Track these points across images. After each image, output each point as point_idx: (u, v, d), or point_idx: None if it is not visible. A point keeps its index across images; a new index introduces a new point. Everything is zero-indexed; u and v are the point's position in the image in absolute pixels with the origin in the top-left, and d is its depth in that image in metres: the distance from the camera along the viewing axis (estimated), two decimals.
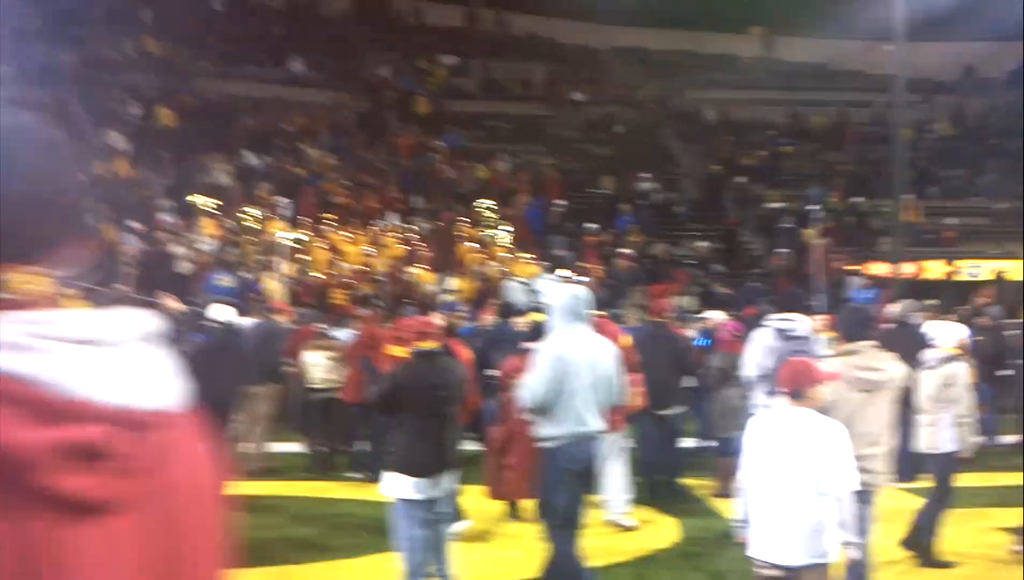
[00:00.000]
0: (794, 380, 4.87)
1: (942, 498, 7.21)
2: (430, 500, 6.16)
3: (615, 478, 8.43)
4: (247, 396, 11.35)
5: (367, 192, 23.68)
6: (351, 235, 21.01)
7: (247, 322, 12.32)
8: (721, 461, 9.88)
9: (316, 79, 30.22)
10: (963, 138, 29.95)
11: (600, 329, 8.31)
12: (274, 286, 17.20)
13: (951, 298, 16.95)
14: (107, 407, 1.10)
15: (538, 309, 10.36)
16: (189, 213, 21.16)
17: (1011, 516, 8.47)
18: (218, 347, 9.56)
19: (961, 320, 10.55)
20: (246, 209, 21.31)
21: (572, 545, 6.07)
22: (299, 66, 30.01)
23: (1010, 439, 12.44)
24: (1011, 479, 9.92)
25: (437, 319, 8.15)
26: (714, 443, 10.34)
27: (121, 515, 1.10)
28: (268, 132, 26.42)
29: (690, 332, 12.60)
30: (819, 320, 11.32)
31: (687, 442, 11.54)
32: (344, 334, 12.49)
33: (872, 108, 30.91)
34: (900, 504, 9.05)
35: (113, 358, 1.13)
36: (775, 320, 8.59)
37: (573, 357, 6.06)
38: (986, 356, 11.93)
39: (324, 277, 18.55)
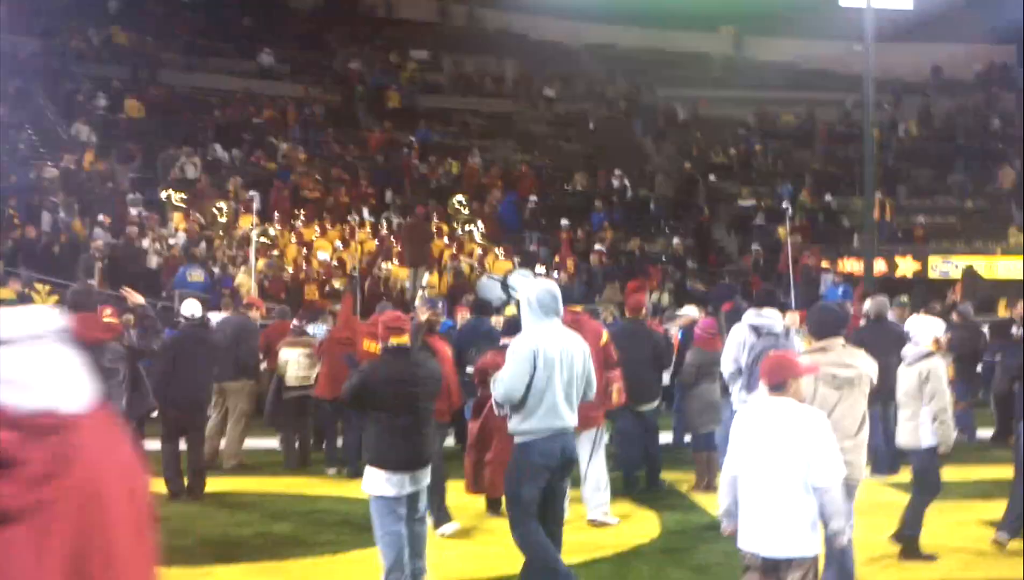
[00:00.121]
0: (776, 373, 4.89)
1: (923, 493, 7.24)
2: (407, 496, 6.12)
3: (595, 476, 8.37)
4: (221, 392, 11.25)
5: (338, 187, 23.52)
6: (322, 230, 20.85)
7: (218, 317, 12.20)
8: (699, 456, 9.91)
9: (286, 72, 29.99)
10: (931, 138, 30.26)
11: (581, 325, 8.30)
12: (245, 281, 17.03)
13: (922, 295, 17.13)
14: (14, 412, 1.03)
15: (512, 305, 10.33)
16: (158, 206, 20.93)
17: (989, 509, 8.56)
18: (188, 342, 9.44)
19: (935, 317, 10.62)
20: (216, 203, 21.10)
21: (540, 536, 6.08)
22: (269, 59, 29.76)
23: (986, 433, 12.58)
24: (988, 473, 10.05)
25: (423, 315, 8.05)
26: (691, 438, 10.35)
27: (32, 520, 1.05)
28: (238, 125, 26.19)
29: (672, 329, 12.60)
30: (792, 316, 11.41)
31: (664, 437, 11.56)
32: (317, 330, 12.39)
33: (841, 107, 31.17)
34: (880, 498, 9.14)
35: (17, 359, 1.07)
36: (751, 316, 8.63)
37: (547, 352, 6.06)
38: (962, 352, 12.05)
39: (296, 272, 18.39)
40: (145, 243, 18.05)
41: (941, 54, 33.60)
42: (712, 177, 26.79)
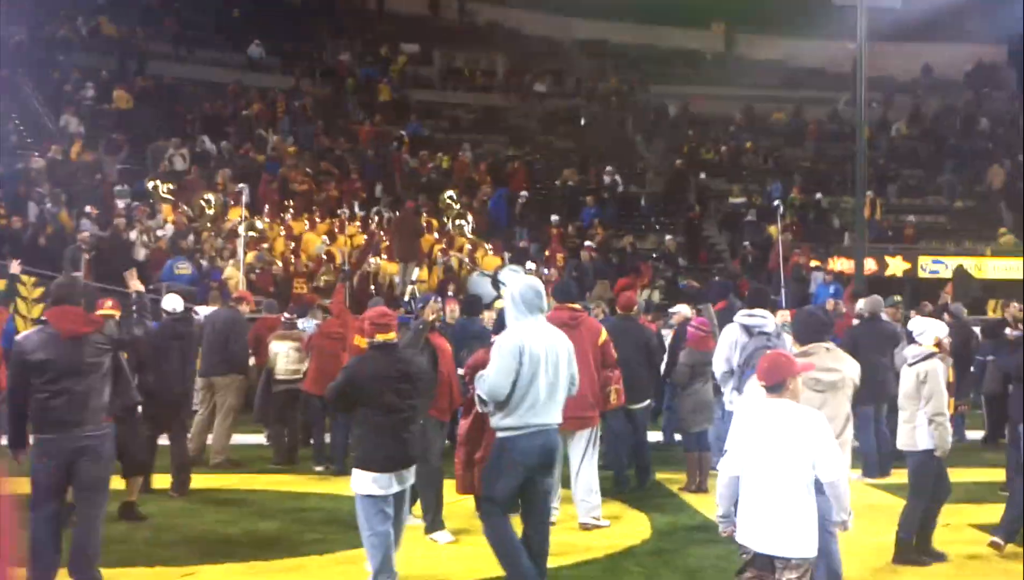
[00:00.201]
0: (774, 373, 4.91)
1: (918, 496, 7.18)
2: (394, 495, 6.06)
3: (587, 478, 8.25)
4: (209, 387, 11.12)
5: (327, 180, 23.37)
6: (311, 223, 20.70)
7: (206, 311, 12.07)
8: (691, 456, 9.84)
9: (276, 64, 29.81)
10: (921, 137, 30.28)
11: (580, 323, 8.23)
12: (233, 274, 16.89)
13: (911, 294, 17.12)
14: None
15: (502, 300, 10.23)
16: (146, 198, 20.75)
17: (980, 512, 8.53)
18: (168, 337, 9.29)
19: (926, 317, 10.57)
20: (204, 195, 20.94)
21: (510, 533, 6.08)
22: (259, 51, 29.56)
23: (976, 434, 12.57)
24: (979, 475, 10.01)
25: (430, 315, 7.93)
26: (683, 438, 10.28)
27: None
28: (226, 117, 26.00)
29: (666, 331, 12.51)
30: (783, 315, 11.36)
31: (655, 436, 11.51)
32: (307, 324, 12.29)
33: (831, 106, 31.17)
34: (871, 500, 9.10)
35: None
36: (743, 316, 8.55)
37: (532, 348, 6.03)
38: (953, 353, 11.99)
39: (284, 266, 18.24)
40: (133, 235, 17.87)
41: (931, 53, 33.61)
42: (703, 174, 26.72)
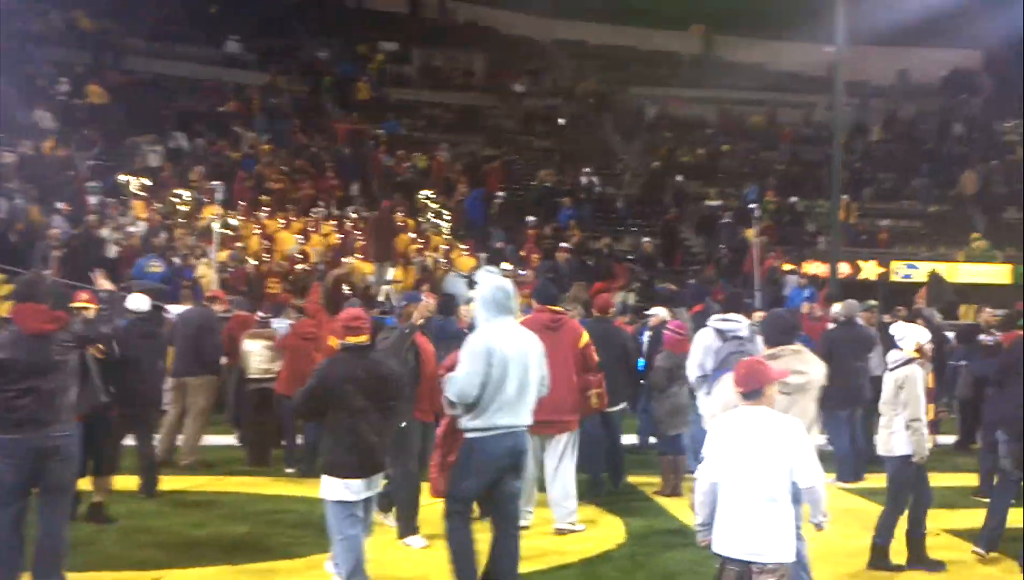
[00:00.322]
0: (751, 380, 4.91)
1: (895, 502, 7.18)
2: (364, 500, 5.98)
3: (564, 482, 8.18)
4: (180, 387, 10.98)
5: (303, 178, 23.21)
6: (286, 222, 20.54)
7: (178, 310, 11.92)
8: (666, 459, 9.81)
9: (253, 61, 29.58)
10: (895, 142, 30.46)
11: (562, 326, 8.17)
12: (206, 272, 16.72)
13: (885, 298, 17.17)
14: None
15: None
16: (118, 195, 20.52)
17: (953, 518, 8.54)
18: (134, 337, 9.12)
19: (900, 321, 10.60)
20: (178, 192, 20.74)
21: (467, 535, 6.08)
22: (236, 47, 29.32)
23: (948, 439, 12.61)
24: (951, 480, 10.04)
25: (419, 319, 7.80)
26: (658, 441, 10.25)
27: None
28: (202, 113, 25.77)
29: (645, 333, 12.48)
30: (758, 317, 11.35)
31: (630, 439, 11.47)
32: (280, 324, 12.15)
33: (807, 109, 31.30)
34: (845, 504, 9.10)
35: None
36: (716, 320, 8.54)
37: (502, 350, 5.99)
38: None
39: (258, 264, 18.09)
40: (105, 232, 17.66)
41: (908, 58, 33.84)
42: (680, 177, 26.75)
